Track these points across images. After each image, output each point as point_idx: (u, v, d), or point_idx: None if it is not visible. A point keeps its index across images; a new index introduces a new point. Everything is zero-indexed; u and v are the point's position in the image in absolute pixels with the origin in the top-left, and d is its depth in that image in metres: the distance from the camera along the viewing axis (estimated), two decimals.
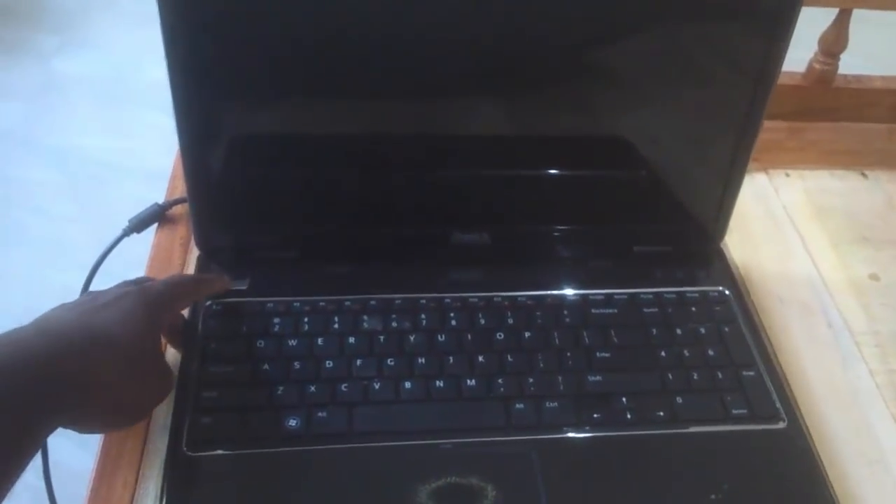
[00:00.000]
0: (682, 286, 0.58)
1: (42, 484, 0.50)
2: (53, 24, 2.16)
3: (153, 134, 1.69)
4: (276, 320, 0.53)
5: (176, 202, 0.64)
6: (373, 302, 0.54)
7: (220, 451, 0.47)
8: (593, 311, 0.55)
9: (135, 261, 0.62)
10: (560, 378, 0.51)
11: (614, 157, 0.58)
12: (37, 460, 0.41)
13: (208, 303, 0.54)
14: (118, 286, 0.48)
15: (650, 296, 0.57)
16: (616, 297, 0.56)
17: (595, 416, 0.50)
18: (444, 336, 0.53)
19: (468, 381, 0.50)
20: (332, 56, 0.50)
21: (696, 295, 0.57)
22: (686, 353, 0.53)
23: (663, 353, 0.53)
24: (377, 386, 0.50)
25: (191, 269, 0.59)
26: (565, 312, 0.55)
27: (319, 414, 0.48)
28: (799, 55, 0.69)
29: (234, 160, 0.54)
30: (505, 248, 0.59)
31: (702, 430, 0.50)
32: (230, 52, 0.49)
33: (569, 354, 0.52)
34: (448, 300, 0.55)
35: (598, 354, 0.53)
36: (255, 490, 0.46)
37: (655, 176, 0.58)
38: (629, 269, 0.59)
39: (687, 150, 0.58)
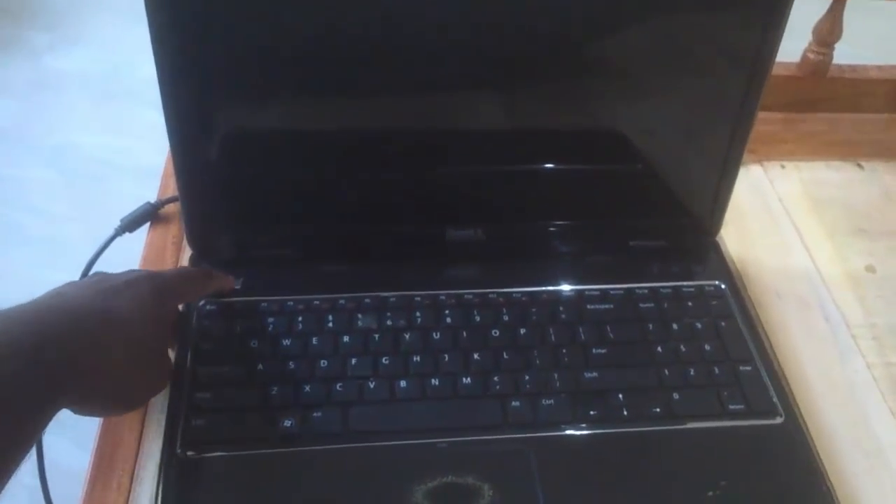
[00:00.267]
0: (678, 281, 0.57)
1: (38, 483, 0.50)
2: (46, 21, 2.15)
3: (148, 131, 1.67)
4: (270, 320, 0.53)
5: (168, 201, 0.63)
6: (367, 300, 0.54)
7: (214, 453, 0.46)
8: (589, 306, 0.55)
9: (129, 259, 0.61)
10: (556, 375, 0.51)
11: (608, 151, 0.57)
12: (32, 459, 0.41)
13: (202, 302, 0.53)
14: (129, 271, 0.48)
15: (646, 291, 0.56)
16: (612, 292, 0.56)
17: (591, 412, 0.49)
18: (438, 334, 0.53)
19: (464, 379, 0.50)
20: (322, 52, 0.49)
21: (693, 289, 0.57)
22: (682, 348, 0.53)
23: (659, 349, 0.53)
24: (372, 385, 0.50)
25: None
26: (561, 308, 0.55)
27: (314, 414, 0.48)
28: (793, 45, 0.69)
29: (226, 159, 0.53)
30: (500, 245, 0.59)
31: (699, 425, 0.49)
32: (219, 48, 0.48)
33: (564, 351, 0.52)
34: (443, 297, 0.55)
35: (593, 351, 0.52)
36: (250, 491, 0.46)
37: (650, 169, 0.58)
38: (624, 263, 0.59)
39: (681, 142, 0.57)
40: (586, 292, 0.56)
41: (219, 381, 0.50)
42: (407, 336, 0.52)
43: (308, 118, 0.54)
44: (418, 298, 0.55)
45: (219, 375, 0.50)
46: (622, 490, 0.47)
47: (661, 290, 0.56)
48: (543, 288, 0.56)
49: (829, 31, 0.73)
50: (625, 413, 0.49)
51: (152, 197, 0.64)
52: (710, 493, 0.46)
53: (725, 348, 0.53)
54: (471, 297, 0.55)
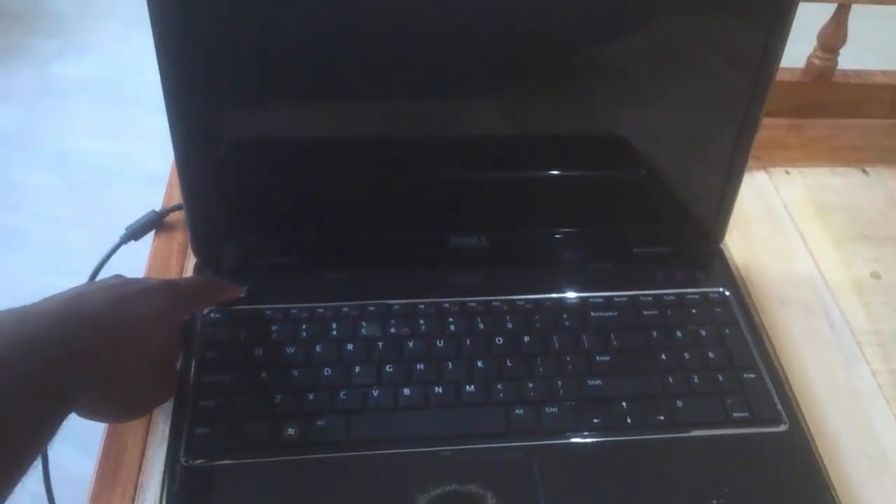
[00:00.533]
0: (682, 288, 0.57)
1: (42, 489, 0.50)
2: (51, 28, 2.16)
3: (153, 137, 1.66)
4: (274, 328, 0.53)
5: (173, 209, 0.63)
6: (371, 308, 0.54)
7: (218, 461, 0.46)
8: (593, 314, 0.55)
9: (134, 267, 0.61)
10: (560, 383, 0.51)
11: (612, 158, 0.57)
12: (38, 464, 0.41)
13: (206, 311, 0.53)
14: (147, 278, 0.49)
15: (650, 298, 0.56)
16: (616, 299, 0.56)
17: (595, 420, 0.49)
18: (442, 342, 0.52)
19: (467, 387, 0.50)
20: (326, 59, 0.50)
21: (697, 296, 0.57)
22: (686, 355, 0.53)
23: (663, 356, 0.53)
24: (376, 393, 0.50)
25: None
26: (565, 316, 0.55)
27: (318, 422, 0.48)
28: (798, 51, 0.68)
29: (230, 167, 0.53)
30: (504, 252, 0.59)
31: (703, 433, 0.49)
32: (222, 55, 0.48)
33: (568, 359, 0.52)
34: (447, 305, 0.55)
35: (597, 358, 0.52)
36: (254, 499, 0.46)
37: (654, 176, 0.58)
38: (628, 270, 0.59)
39: (685, 148, 0.57)
40: (590, 299, 0.56)
41: (223, 389, 0.50)
42: (410, 344, 0.52)
43: (312, 126, 0.54)
44: (422, 306, 0.55)
45: (223, 384, 0.50)
46: (626, 498, 0.47)
47: (665, 297, 0.56)
48: (547, 295, 0.56)
49: (833, 36, 0.73)
50: (628, 421, 0.49)
51: (156, 203, 0.64)
52: (715, 502, 0.46)
53: (729, 355, 0.53)
54: (474, 304, 0.55)
